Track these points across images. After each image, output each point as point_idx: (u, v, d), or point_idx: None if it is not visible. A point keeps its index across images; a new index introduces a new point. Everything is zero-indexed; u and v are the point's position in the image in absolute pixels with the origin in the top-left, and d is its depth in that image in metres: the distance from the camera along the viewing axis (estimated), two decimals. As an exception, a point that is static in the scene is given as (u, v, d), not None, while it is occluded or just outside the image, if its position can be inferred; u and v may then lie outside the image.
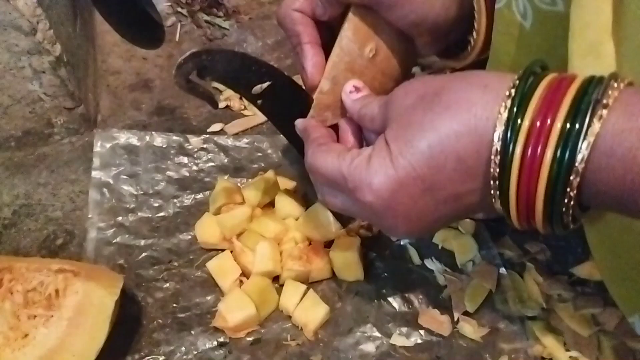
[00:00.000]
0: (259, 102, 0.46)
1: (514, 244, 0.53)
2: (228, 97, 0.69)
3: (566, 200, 0.29)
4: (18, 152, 0.64)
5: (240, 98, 0.69)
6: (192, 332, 0.48)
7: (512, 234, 0.54)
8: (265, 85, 0.45)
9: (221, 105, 0.69)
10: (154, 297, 0.51)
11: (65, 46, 0.61)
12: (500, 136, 0.29)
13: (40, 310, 0.44)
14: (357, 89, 0.42)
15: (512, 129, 0.29)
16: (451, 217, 0.35)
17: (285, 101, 0.47)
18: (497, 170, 0.30)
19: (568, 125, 0.27)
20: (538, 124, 0.28)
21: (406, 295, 0.50)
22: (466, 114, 0.31)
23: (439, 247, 0.54)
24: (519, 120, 0.29)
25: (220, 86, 0.71)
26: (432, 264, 0.52)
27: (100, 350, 0.44)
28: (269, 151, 0.64)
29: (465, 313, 0.49)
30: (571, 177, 0.28)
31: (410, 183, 0.33)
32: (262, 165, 0.62)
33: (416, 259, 0.53)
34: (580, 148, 0.27)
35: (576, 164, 0.27)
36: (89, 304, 0.43)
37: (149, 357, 0.47)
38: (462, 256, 0.53)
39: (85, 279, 0.44)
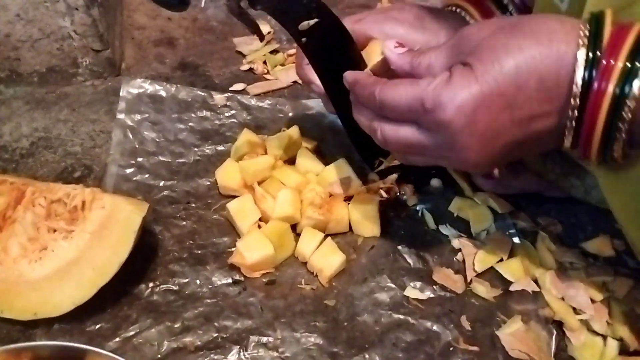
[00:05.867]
0: (303, 40, 0.45)
1: (527, 216, 0.54)
2: (252, 60, 0.70)
3: (621, 123, 0.32)
4: (40, 89, 0.64)
5: (264, 62, 0.70)
6: (208, 267, 0.48)
7: (525, 208, 0.55)
8: (312, 22, 0.44)
9: (244, 67, 0.70)
10: (171, 232, 0.51)
11: (100, -12, 0.62)
12: (585, 57, 0.33)
13: (62, 223, 0.43)
14: (400, 45, 0.42)
15: (593, 59, 0.32)
16: (520, 143, 0.37)
17: (330, 44, 0.46)
18: (580, 89, 0.33)
19: (629, 64, 0.32)
20: (607, 61, 0.32)
21: (421, 253, 0.51)
22: (548, 38, 0.34)
23: (455, 216, 0.55)
24: (597, 52, 0.32)
25: (245, 49, 0.72)
26: (446, 230, 0.53)
27: (116, 274, 0.43)
28: (291, 114, 0.64)
29: (478, 275, 0.49)
30: (628, 102, 0.32)
31: (494, 99, 0.35)
32: (283, 125, 0.62)
33: (431, 223, 0.54)
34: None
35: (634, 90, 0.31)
36: (115, 218, 0.43)
37: (163, 286, 0.47)
38: (477, 225, 0.53)
39: (112, 195, 0.44)
